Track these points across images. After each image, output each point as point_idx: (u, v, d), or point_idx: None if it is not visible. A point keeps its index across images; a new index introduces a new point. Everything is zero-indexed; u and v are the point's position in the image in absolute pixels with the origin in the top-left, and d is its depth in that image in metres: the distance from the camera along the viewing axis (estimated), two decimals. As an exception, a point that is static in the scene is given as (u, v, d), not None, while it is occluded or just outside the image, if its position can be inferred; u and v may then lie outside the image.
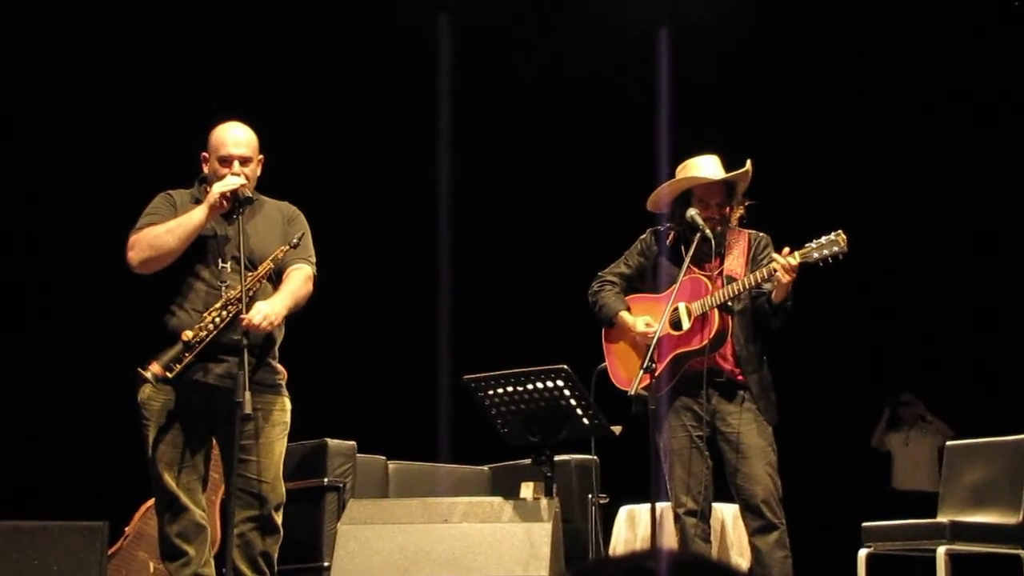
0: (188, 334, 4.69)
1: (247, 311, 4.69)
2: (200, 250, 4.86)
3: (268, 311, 4.73)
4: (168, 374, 4.68)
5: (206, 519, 4.93)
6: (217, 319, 4.72)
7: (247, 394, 4.59)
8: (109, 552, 6.32)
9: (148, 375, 4.68)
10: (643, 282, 5.58)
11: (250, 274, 4.80)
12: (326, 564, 6.24)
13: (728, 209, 5.43)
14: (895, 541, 6.28)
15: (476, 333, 8.43)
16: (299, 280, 4.93)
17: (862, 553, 6.28)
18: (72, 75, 8.26)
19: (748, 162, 5.42)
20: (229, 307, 4.73)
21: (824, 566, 6.97)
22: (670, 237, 5.52)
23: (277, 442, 4.94)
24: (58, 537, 6.11)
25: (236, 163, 4.90)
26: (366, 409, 8.62)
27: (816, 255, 5.12)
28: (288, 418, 5.00)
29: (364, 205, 8.95)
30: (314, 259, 5.06)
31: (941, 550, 5.97)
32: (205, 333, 4.70)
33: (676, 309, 5.30)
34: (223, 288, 4.80)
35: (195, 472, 4.86)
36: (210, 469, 5.03)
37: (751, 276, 5.23)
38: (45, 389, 7.97)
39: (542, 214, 9.04)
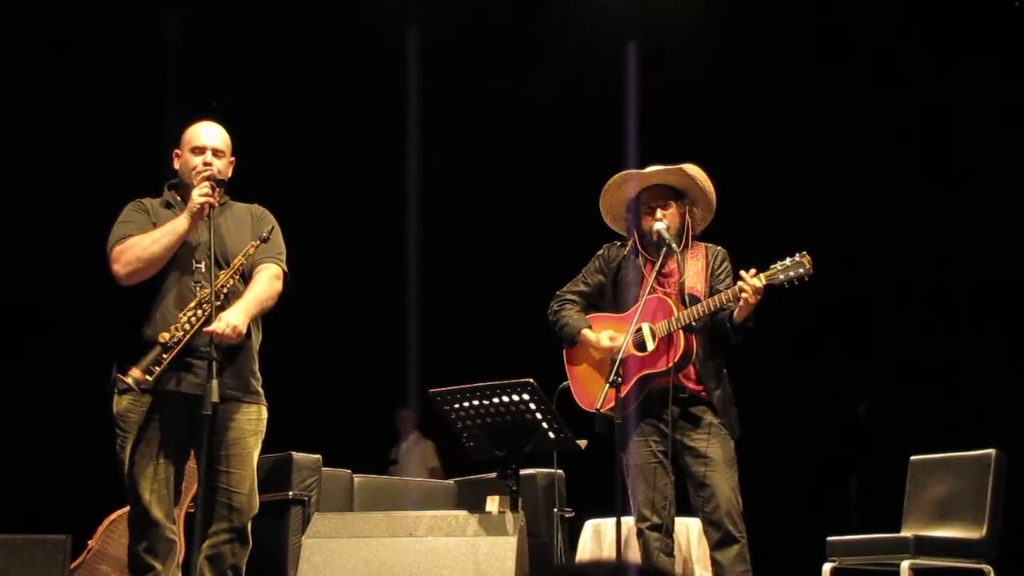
0: (165, 335, 4.71)
1: (221, 309, 4.73)
2: (182, 252, 4.89)
3: (233, 321, 4.73)
4: (148, 377, 4.67)
5: (175, 533, 4.91)
6: (193, 318, 4.74)
7: (214, 396, 4.58)
8: (72, 566, 6.29)
9: (129, 380, 4.68)
10: (602, 299, 5.57)
11: (222, 272, 4.83)
12: (290, 578, 6.23)
13: (680, 219, 5.42)
14: (859, 555, 6.29)
15: (442, 347, 8.42)
16: (264, 281, 4.95)
17: (826, 567, 6.30)
18: (42, 84, 8.22)
19: (685, 165, 5.42)
20: (204, 305, 4.75)
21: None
22: (627, 249, 5.52)
23: (254, 451, 4.94)
24: (20, 550, 6.09)
25: (209, 153, 4.96)
26: (332, 422, 8.59)
27: (782, 276, 5.14)
28: (264, 427, 4.99)
29: (334, 217, 8.94)
30: (284, 256, 5.08)
31: (905, 564, 5.99)
32: (182, 333, 4.72)
33: (639, 330, 5.30)
34: (197, 288, 4.81)
35: (168, 485, 4.85)
36: (183, 482, 5.01)
37: (716, 298, 5.23)
38: (8, 401, 7.91)
39: (509, 227, 9.05)
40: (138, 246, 4.84)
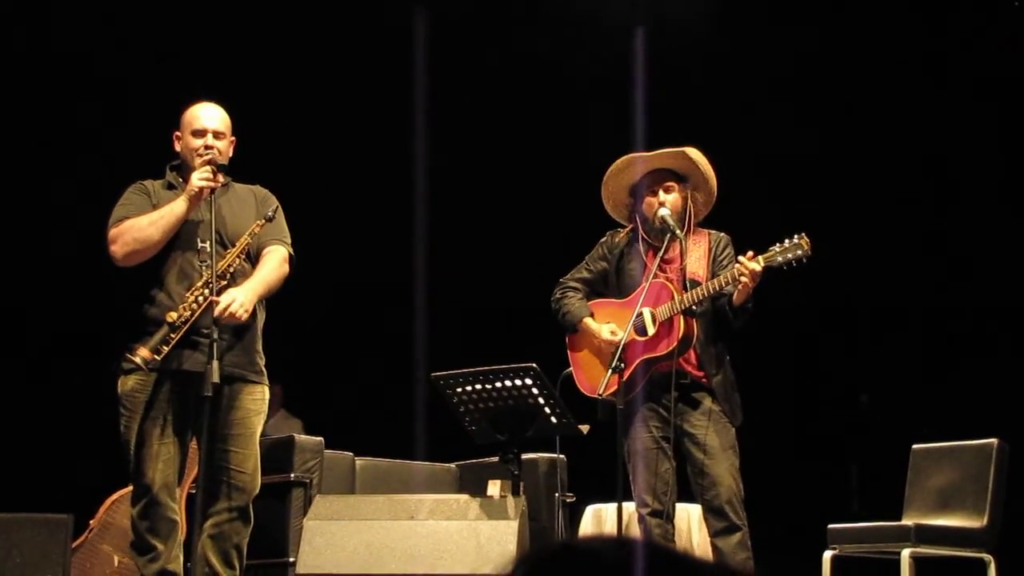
0: (172, 315, 4.72)
1: (227, 288, 4.76)
2: (178, 233, 4.88)
3: (242, 299, 4.74)
4: (157, 357, 4.68)
5: (177, 513, 4.93)
6: (200, 298, 4.75)
7: (215, 377, 4.60)
8: (73, 545, 6.30)
9: (137, 360, 4.68)
10: (606, 286, 5.56)
11: (227, 252, 4.85)
12: (291, 559, 6.24)
13: (682, 204, 5.42)
14: (860, 543, 6.30)
15: (446, 331, 8.41)
16: (273, 263, 4.98)
17: (827, 555, 6.30)
18: (40, 68, 8.21)
19: (687, 148, 5.42)
20: (210, 285, 4.75)
21: (789, 568, 6.99)
22: (624, 235, 5.52)
23: (257, 431, 4.96)
24: (22, 529, 6.10)
25: (210, 135, 4.95)
26: (334, 405, 8.60)
27: (780, 259, 5.13)
28: (267, 407, 5.02)
29: (340, 199, 8.93)
30: (289, 240, 5.09)
31: (906, 553, 5.99)
32: (189, 313, 4.74)
33: (640, 314, 5.30)
34: (203, 268, 4.82)
35: (172, 465, 4.87)
36: (186, 462, 5.03)
37: (715, 281, 5.23)
38: (8, 381, 7.91)
39: (518, 212, 9.03)
40: (135, 227, 4.85)
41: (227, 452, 4.86)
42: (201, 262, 4.85)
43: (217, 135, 4.99)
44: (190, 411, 4.84)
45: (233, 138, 5.08)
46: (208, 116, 5.03)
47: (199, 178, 4.83)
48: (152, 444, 4.81)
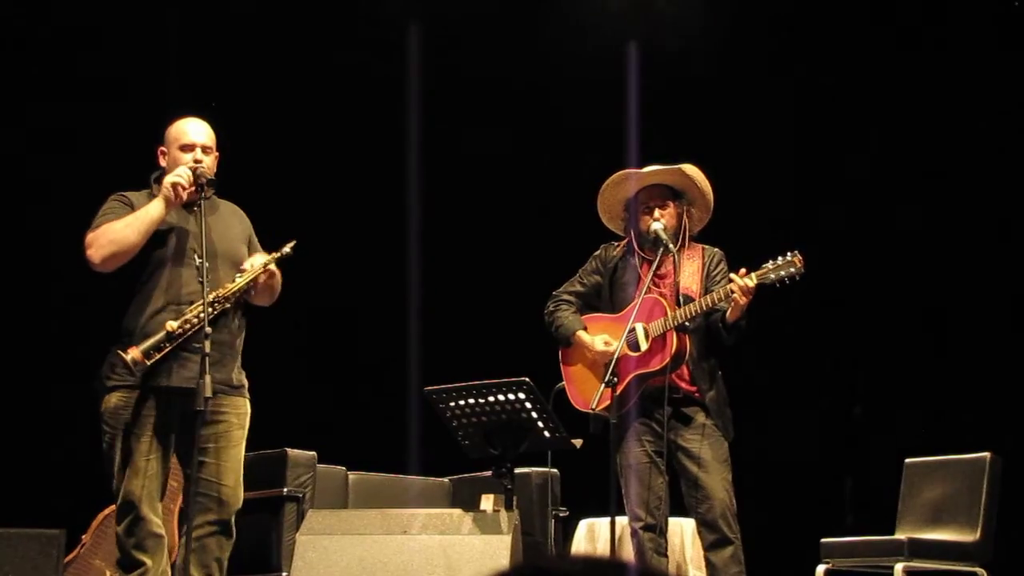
0: (172, 324, 4.71)
1: (228, 310, 4.84)
2: (176, 246, 4.91)
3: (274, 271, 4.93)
4: (147, 361, 4.67)
5: (162, 527, 4.91)
6: (202, 314, 4.73)
7: (208, 391, 4.59)
8: (66, 560, 6.30)
9: (128, 358, 4.67)
10: (599, 299, 5.57)
11: (239, 279, 4.89)
12: (284, 574, 6.23)
13: (677, 220, 5.42)
14: (853, 557, 6.31)
15: (440, 345, 8.41)
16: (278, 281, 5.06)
17: (820, 569, 6.31)
18: (29, 70, 8.21)
19: (684, 166, 5.42)
20: (215, 304, 4.77)
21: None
22: (619, 249, 5.52)
23: (240, 444, 4.95)
24: (14, 544, 6.10)
25: (199, 150, 4.97)
26: (327, 419, 8.59)
27: (773, 276, 5.14)
28: (248, 421, 5.01)
29: (333, 212, 8.93)
30: None
31: (899, 567, 6.00)
32: (189, 326, 4.72)
33: (633, 330, 5.30)
34: (201, 285, 4.82)
35: (156, 481, 4.85)
36: (169, 477, 5.02)
37: (708, 297, 5.23)
38: (2, 395, 7.90)
39: (511, 226, 9.04)
40: (110, 230, 4.83)
41: (209, 465, 4.84)
42: (199, 280, 4.84)
43: (205, 149, 5.01)
44: (174, 427, 4.83)
45: (217, 153, 5.08)
46: (195, 131, 5.04)
47: (174, 174, 4.85)
48: (137, 461, 4.79)
